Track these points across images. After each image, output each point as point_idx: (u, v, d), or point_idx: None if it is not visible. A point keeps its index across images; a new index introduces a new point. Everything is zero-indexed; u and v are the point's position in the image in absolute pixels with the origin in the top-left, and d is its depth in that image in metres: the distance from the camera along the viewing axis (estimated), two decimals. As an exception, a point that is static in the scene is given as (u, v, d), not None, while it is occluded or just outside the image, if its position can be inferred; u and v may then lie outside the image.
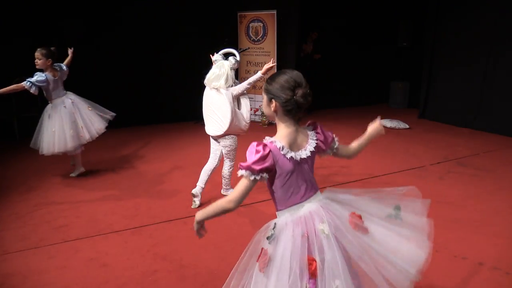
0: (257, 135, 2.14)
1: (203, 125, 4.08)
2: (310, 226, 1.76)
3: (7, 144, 6.29)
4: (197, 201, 4.01)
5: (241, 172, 1.73)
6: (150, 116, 7.68)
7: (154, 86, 7.58)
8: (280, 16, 7.47)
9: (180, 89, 7.65)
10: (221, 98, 3.77)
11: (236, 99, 3.89)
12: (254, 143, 1.73)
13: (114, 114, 4.93)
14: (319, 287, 1.69)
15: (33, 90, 4.36)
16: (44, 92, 4.56)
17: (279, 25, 7.50)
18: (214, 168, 4.09)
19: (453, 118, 7.50)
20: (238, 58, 3.97)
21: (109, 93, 7.15)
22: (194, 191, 4.02)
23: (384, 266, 1.79)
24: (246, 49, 6.97)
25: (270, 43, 7.63)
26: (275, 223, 1.83)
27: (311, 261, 1.70)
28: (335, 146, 1.95)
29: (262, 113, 7.35)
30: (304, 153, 1.79)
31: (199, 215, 1.90)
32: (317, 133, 1.88)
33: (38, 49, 4.44)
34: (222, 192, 4.25)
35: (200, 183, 4.05)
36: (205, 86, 3.94)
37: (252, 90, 4.18)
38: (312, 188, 1.87)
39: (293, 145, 1.78)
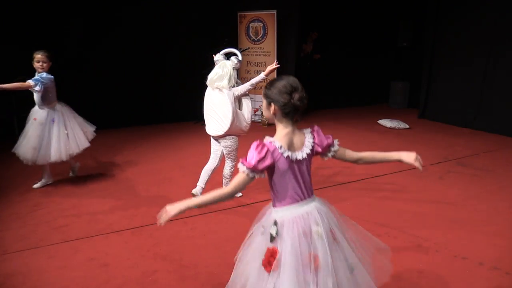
0: (257, 135, 2.15)
1: (203, 125, 4.08)
2: (307, 226, 1.86)
3: (7, 144, 6.25)
4: (197, 201, 4.01)
5: (242, 168, 1.84)
6: (150, 116, 7.68)
7: (154, 86, 7.58)
8: (280, 16, 7.47)
9: (180, 89, 7.65)
10: (223, 98, 3.77)
11: (238, 99, 3.89)
12: (255, 143, 1.83)
13: (94, 130, 4.73)
14: (320, 283, 1.78)
15: (38, 88, 4.18)
16: (43, 95, 4.29)
17: (279, 25, 7.50)
18: (215, 168, 4.09)
19: (453, 118, 7.50)
20: (240, 57, 3.96)
21: (109, 93, 7.18)
22: (194, 191, 4.02)
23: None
24: (246, 49, 6.98)
25: (270, 43, 7.63)
26: (275, 220, 1.90)
27: (314, 257, 1.81)
28: (334, 149, 2.01)
29: (262, 113, 7.35)
30: (300, 154, 1.89)
31: (189, 204, 1.89)
32: (313, 136, 1.97)
33: (41, 52, 4.23)
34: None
35: (201, 183, 4.05)
36: (206, 86, 3.93)
37: (252, 90, 4.16)
38: (308, 190, 1.95)
39: (291, 146, 1.88)
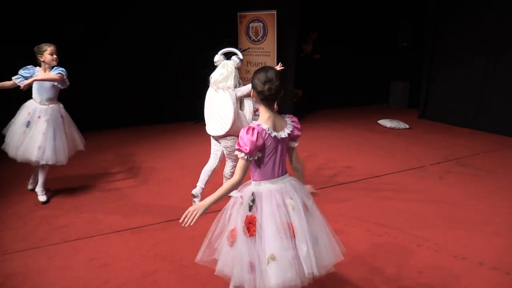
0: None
1: (204, 125, 4.07)
2: (282, 198, 2.13)
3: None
4: (197, 201, 4.01)
5: (240, 155, 2.09)
6: (150, 116, 7.68)
7: (154, 86, 7.57)
8: (280, 16, 7.47)
9: (180, 89, 7.65)
10: (225, 98, 3.75)
11: (240, 100, 3.87)
12: (244, 128, 2.10)
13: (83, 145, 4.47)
14: (296, 248, 2.05)
15: (67, 82, 3.99)
16: (55, 90, 4.08)
17: (279, 25, 7.49)
18: (215, 168, 4.08)
19: (453, 118, 7.51)
20: (241, 56, 3.94)
21: (109, 93, 7.18)
22: (194, 191, 4.02)
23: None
24: (246, 49, 6.97)
25: (270, 43, 7.63)
26: (253, 192, 2.16)
27: (289, 224, 2.08)
28: (294, 145, 2.31)
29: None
30: (283, 134, 2.18)
31: (209, 200, 2.09)
32: (292, 121, 2.28)
33: (52, 45, 3.99)
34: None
35: (200, 183, 4.04)
36: (207, 86, 3.91)
37: (253, 90, 4.14)
38: (283, 167, 2.23)
39: (274, 127, 2.17)
